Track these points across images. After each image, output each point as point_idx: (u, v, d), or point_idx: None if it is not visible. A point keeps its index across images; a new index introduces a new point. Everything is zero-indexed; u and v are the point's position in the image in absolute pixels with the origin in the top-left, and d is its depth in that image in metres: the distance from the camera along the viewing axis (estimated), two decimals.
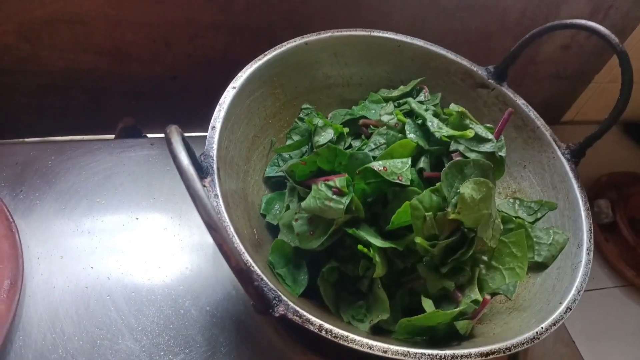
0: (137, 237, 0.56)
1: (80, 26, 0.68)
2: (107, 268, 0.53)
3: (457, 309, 0.43)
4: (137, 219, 0.57)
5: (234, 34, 0.73)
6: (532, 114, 0.59)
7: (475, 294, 0.45)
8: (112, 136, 0.78)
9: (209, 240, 0.34)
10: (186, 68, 0.77)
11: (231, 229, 0.42)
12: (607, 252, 0.86)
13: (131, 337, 0.49)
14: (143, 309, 0.51)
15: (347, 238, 0.45)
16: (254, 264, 0.40)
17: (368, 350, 0.38)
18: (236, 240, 0.41)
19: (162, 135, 0.87)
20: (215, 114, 0.49)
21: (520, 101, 0.60)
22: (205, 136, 0.47)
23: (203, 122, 0.49)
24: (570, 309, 0.44)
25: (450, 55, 0.61)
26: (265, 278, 0.39)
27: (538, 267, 0.52)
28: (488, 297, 0.45)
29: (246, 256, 0.40)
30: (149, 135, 0.83)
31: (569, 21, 0.55)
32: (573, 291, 0.46)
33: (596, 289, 0.85)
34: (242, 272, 0.31)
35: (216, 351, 0.49)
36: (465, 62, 0.61)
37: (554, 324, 0.43)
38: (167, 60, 0.75)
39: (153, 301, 0.51)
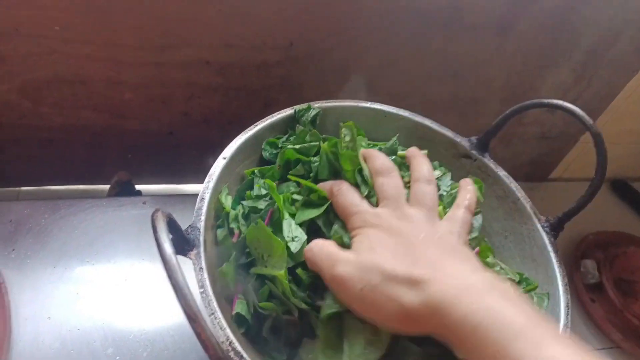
0: (125, 300, 0.57)
1: (81, 86, 0.70)
2: (93, 330, 0.54)
3: None
4: (125, 280, 0.58)
5: (229, 95, 0.76)
6: (513, 185, 0.61)
7: None
8: (107, 186, 0.80)
9: None
10: (182, 125, 0.79)
11: (214, 304, 0.43)
12: (593, 314, 0.86)
13: None
14: None
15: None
16: (235, 341, 0.41)
17: None
18: (218, 315, 0.42)
19: (156, 189, 0.90)
20: (204, 185, 0.50)
21: (502, 172, 0.62)
22: (197, 194, 0.48)
23: (197, 174, 0.51)
24: None
25: (435, 126, 0.64)
26: (245, 355, 0.40)
27: None
28: None
29: (227, 332, 0.41)
30: (144, 188, 0.85)
31: (546, 101, 0.58)
32: None
33: None
34: None
35: None
36: (449, 133, 0.64)
37: None
38: (163, 118, 0.78)
39: None
